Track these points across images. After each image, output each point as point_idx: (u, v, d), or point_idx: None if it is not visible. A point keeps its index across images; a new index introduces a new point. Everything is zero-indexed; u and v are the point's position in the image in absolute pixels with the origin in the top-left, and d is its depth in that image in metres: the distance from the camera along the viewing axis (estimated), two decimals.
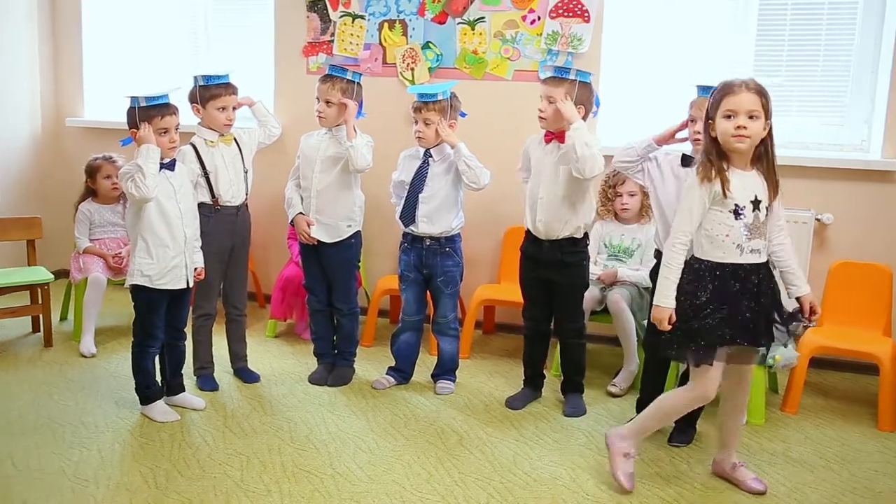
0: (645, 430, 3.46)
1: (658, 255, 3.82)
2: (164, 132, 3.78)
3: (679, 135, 3.73)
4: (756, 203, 3.16)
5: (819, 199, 4.72)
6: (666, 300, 3.19)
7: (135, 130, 3.78)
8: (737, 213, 3.13)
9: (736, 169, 3.16)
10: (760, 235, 3.18)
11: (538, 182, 4.03)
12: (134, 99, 3.78)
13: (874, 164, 4.62)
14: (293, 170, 4.45)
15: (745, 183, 3.16)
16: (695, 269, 3.20)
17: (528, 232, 4.13)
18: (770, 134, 3.19)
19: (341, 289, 4.44)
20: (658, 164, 3.78)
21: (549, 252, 4.05)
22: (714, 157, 3.15)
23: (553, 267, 4.06)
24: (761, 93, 3.13)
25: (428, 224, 4.26)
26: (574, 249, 4.06)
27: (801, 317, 3.30)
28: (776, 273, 3.30)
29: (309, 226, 4.32)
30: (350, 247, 4.41)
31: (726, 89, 3.14)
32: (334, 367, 4.53)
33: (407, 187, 4.29)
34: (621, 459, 3.40)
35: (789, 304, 3.32)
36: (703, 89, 3.61)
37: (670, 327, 3.17)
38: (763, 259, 3.21)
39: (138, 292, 3.88)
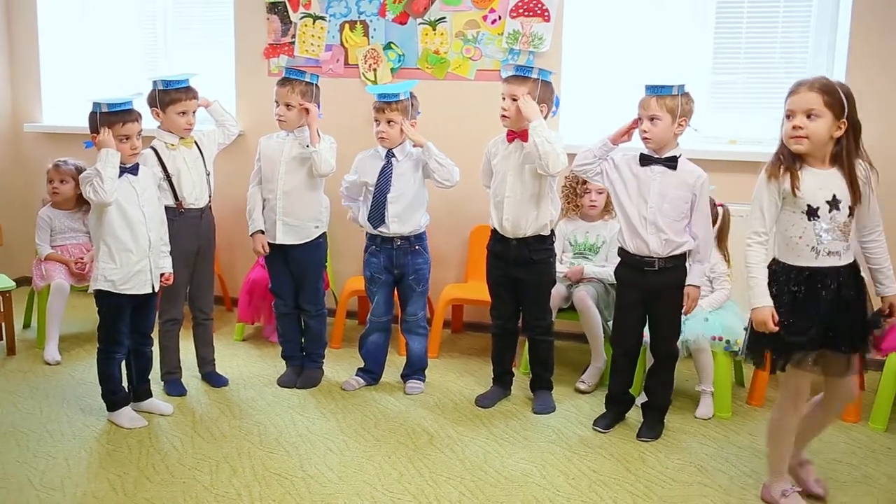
0: (780, 459, 3.28)
1: (622, 252, 3.86)
2: (126, 139, 3.75)
3: (636, 133, 3.78)
4: (834, 203, 3.00)
5: None
6: (761, 300, 3.04)
7: (95, 135, 3.74)
8: (810, 213, 3.01)
9: (811, 168, 3.03)
10: (841, 237, 3.03)
11: (503, 181, 4.05)
12: (96, 104, 3.75)
13: None
14: (254, 174, 4.42)
15: (822, 182, 3.01)
16: (772, 272, 3.11)
17: (494, 231, 4.15)
18: (849, 132, 3.00)
19: (309, 290, 4.43)
20: (615, 164, 3.82)
21: (517, 250, 4.07)
22: (784, 155, 3.05)
23: (520, 265, 4.08)
24: (826, 91, 2.96)
25: (399, 224, 4.26)
26: (541, 247, 4.08)
27: (881, 317, 3.17)
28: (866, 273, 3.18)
29: (265, 243, 4.35)
30: (318, 247, 4.40)
31: (791, 88, 3.04)
32: (303, 369, 4.52)
33: (371, 189, 4.28)
34: (786, 500, 3.26)
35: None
36: (651, 88, 3.68)
37: (776, 327, 3.02)
38: (844, 262, 3.05)
39: (102, 298, 3.84)
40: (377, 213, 4.26)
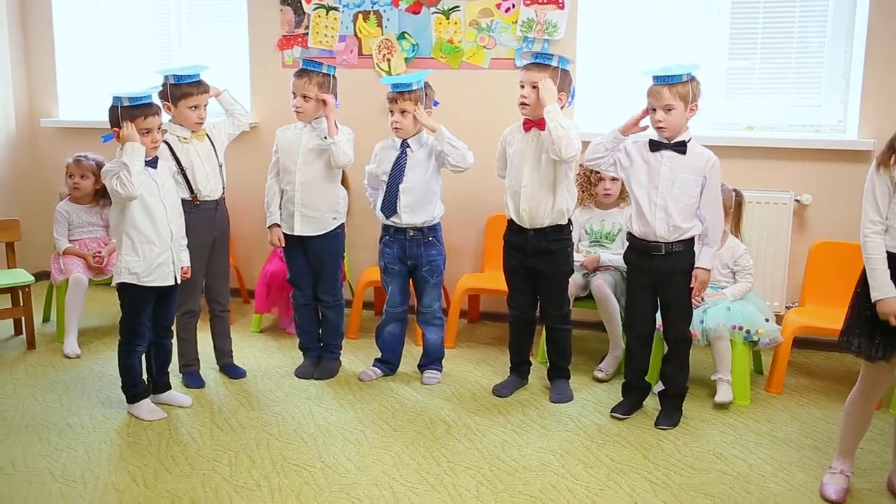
0: (842, 440, 3.31)
1: (630, 237, 3.85)
2: (147, 132, 3.76)
3: (643, 122, 3.77)
4: None
5: (798, 181, 4.75)
6: (885, 291, 3.00)
7: (117, 129, 3.75)
8: None
9: None
10: None
11: (520, 170, 4.04)
12: (117, 98, 3.75)
13: (851, 145, 4.66)
14: (272, 165, 4.43)
15: None
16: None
17: (510, 221, 4.14)
18: None
19: (327, 281, 4.44)
20: (627, 152, 3.82)
21: (534, 240, 4.06)
22: None
23: (538, 255, 4.07)
24: None
25: (411, 214, 4.25)
26: (558, 237, 4.07)
27: None
28: None
29: (281, 236, 4.36)
30: (336, 237, 4.41)
31: None
32: (320, 360, 4.52)
33: (385, 179, 4.28)
34: (827, 476, 3.30)
35: None
36: (661, 78, 3.66)
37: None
38: None
39: (125, 290, 3.86)
40: (390, 204, 4.25)
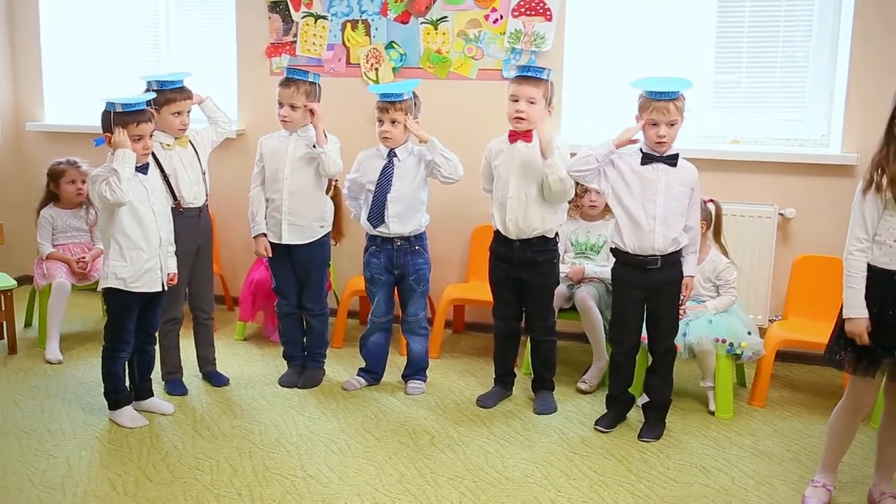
0: (827, 453, 3.32)
1: (620, 253, 3.85)
2: (139, 139, 3.75)
3: (636, 136, 3.78)
4: None
5: (781, 194, 4.77)
6: (856, 311, 3.03)
7: (109, 134, 3.73)
8: None
9: None
10: None
11: (506, 182, 4.05)
12: (110, 104, 3.73)
13: (834, 159, 4.68)
14: (255, 175, 4.40)
15: None
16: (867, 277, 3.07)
17: (496, 232, 4.14)
18: None
19: (312, 289, 4.43)
20: (615, 164, 3.81)
21: (520, 251, 4.07)
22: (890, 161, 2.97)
23: (524, 266, 4.08)
24: None
25: (399, 224, 4.25)
26: (545, 248, 4.08)
27: None
28: None
29: (268, 245, 4.35)
30: (323, 245, 4.41)
31: None
32: (304, 369, 4.51)
33: (371, 189, 4.28)
34: (809, 489, 3.32)
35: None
36: (666, 94, 3.67)
37: (868, 339, 3.01)
38: None
39: (111, 296, 3.84)
40: (377, 213, 4.25)
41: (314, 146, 4.21)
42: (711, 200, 4.34)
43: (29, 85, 6.09)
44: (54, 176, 5.14)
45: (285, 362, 4.57)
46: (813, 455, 3.72)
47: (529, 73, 3.99)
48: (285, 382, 4.46)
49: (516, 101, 3.97)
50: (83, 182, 5.08)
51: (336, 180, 4.72)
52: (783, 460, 3.70)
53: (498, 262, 4.16)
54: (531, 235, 4.04)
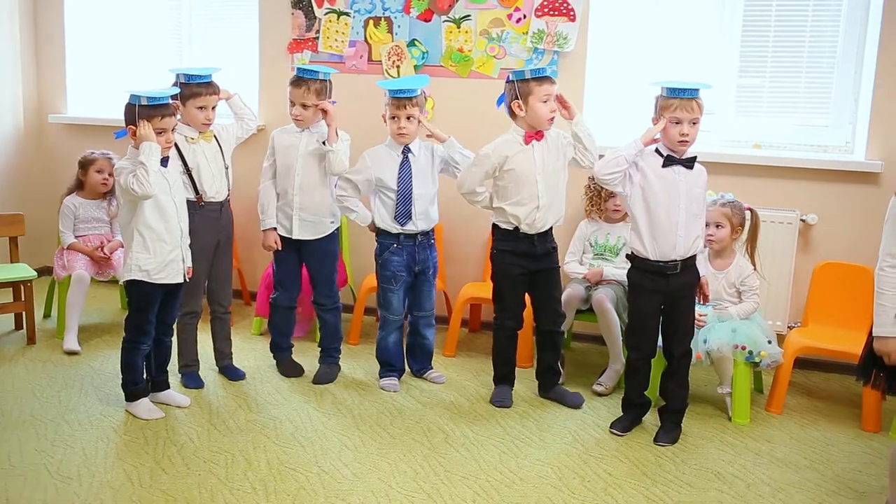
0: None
1: (639, 259, 3.83)
2: (162, 132, 3.77)
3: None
4: None
5: (804, 200, 4.74)
6: (885, 329, 2.95)
7: (133, 127, 3.75)
8: None
9: None
10: None
11: (533, 182, 4.02)
12: (135, 97, 3.75)
13: (858, 166, 4.64)
14: (266, 168, 4.40)
15: None
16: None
17: (512, 231, 4.10)
18: None
19: (325, 283, 4.45)
20: (639, 167, 3.78)
21: (541, 244, 4.10)
22: None
23: (545, 257, 4.14)
24: None
25: (424, 220, 4.29)
26: (552, 236, 4.17)
27: None
28: None
29: (277, 239, 4.38)
30: (332, 239, 4.44)
31: None
32: (320, 364, 4.54)
33: (385, 186, 4.26)
34: None
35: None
36: (689, 91, 3.66)
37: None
38: None
39: (134, 287, 3.86)
40: (405, 211, 4.24)
41: (324, 143, 4.23)
42: (749, 208, 4.31)
43: (52, 78, 6.13)
44: (84, 164, 5.17)
45: (273, 354, 4.61)
46: (830, 463, 3.69)
47: (549, 74, 4.04)
48: (292, 373, 4.52)
49: (546, 101, 3.97)
50: (110, 174, 5.10)
51: None
52: (800, 468, 3.67)
53: (515, 259, 4.13)
54: (551, 226, 4.11)
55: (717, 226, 4.25)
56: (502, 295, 4.23)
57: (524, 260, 4.12)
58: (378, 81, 4.46)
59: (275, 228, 4.37)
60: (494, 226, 4.17)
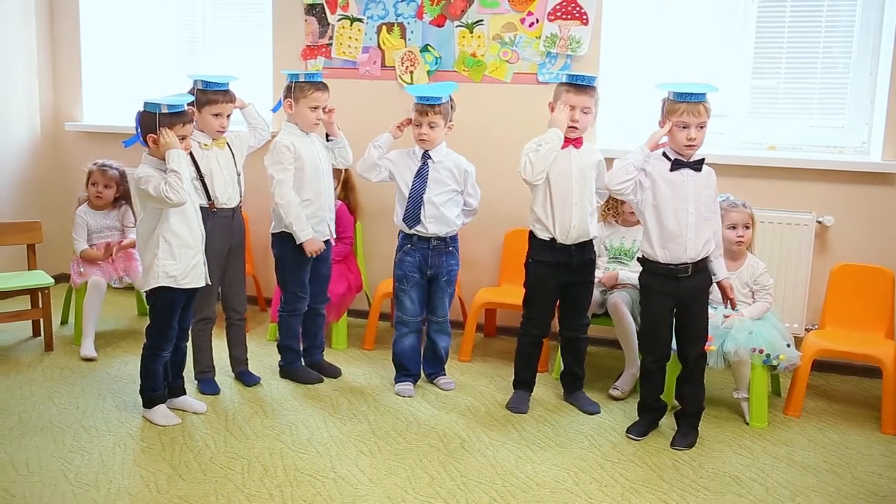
0: None
1: (649, 263, 3.82)
2: (182, 139, 3.79)
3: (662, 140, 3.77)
4: None
5: (820, 202, 4.71)
6: None
7: (154, 136, 3.76)
8: None
9: None
10: None
11: (568, 189, 3.99)
12: (154, 105, 3.75)
13: (874, 167, 4.62)
14: (287, 179, 4.27)
15: None
16: None
17: (547, 241, 4.06)
18: None
19: (324, 285, 4.59)
20: (647, 173, 3.77)
21: (579, 255, 4.07)
22: None
23: (582, 268, 4.12)
24: None
25: (436, 224, 4.28)
26: (591, 246, 4.14)
27: None
28: None
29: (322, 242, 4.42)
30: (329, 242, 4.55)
31: None
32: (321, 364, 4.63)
33: (406, 190, 4.29)
34: None
35: None
36: (696, 95, 3.65)
37: None
38: None
39: (160, 294, 3.87)
40: (413, 214, 4.26)
41: (328, 138, 4.37)
42: (744, 205, 4.30)
43: (68, 85, 6.17)
44: (87, 176, 5.21)
45: (295, 360, 4.61)
46: (849, 467, 3.67)
47: (585, 83, 3.97)
48: (314, 378, 4.53)
49: (571, 109, 3.95)
50: (105, 186, 5.15)
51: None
52: (818, 471, 3.64)
53: (550, 270, 4.08)
54: (587, 237, 4.07)
55: (746, 227, 4.26)
56: (532, 303, 4.21)
57: (558, 271, 4.08)
58: (405, 86, 4.48)
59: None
60: (531, 234, 4.15)
